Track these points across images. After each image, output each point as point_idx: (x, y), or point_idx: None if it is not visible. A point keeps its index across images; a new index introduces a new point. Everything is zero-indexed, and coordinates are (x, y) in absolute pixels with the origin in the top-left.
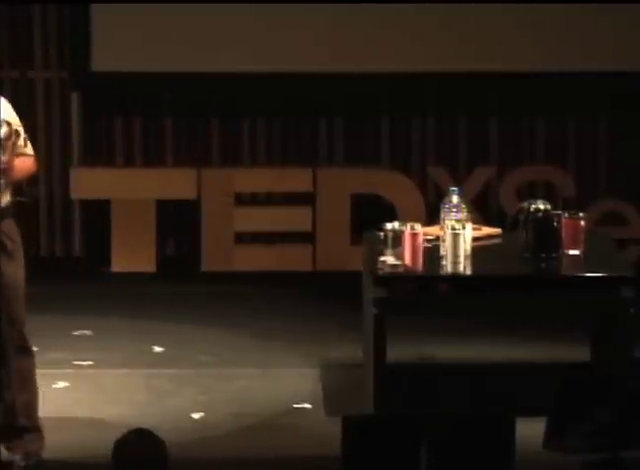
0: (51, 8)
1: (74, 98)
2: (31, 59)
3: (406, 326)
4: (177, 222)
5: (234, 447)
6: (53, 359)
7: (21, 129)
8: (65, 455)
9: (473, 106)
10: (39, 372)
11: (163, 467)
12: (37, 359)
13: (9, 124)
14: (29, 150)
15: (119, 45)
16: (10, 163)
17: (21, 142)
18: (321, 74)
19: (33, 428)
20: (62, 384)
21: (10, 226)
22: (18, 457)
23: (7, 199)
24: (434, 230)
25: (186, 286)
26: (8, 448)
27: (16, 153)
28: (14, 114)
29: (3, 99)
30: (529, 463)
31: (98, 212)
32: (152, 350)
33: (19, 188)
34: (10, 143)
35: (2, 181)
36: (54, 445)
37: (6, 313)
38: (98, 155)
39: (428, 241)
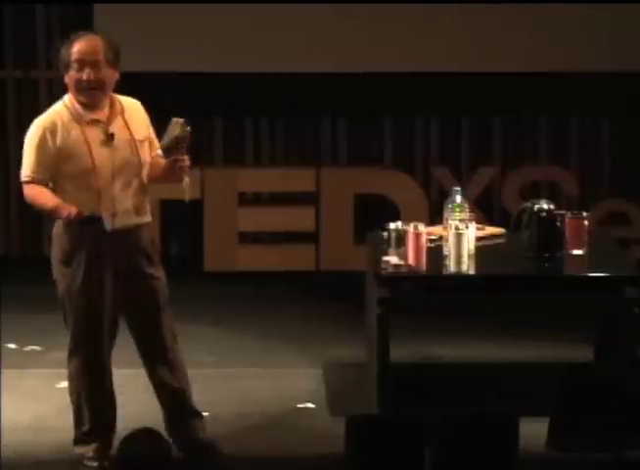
0: (54, 8)
1: None
2: (35, 59)
3: (410, 326)
4: (180, 222)
5: (237, 447)
6: (57, 359)
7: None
8: (68, 455)
9: (476, 106)
10: (43, 372)
11: (167, 466)
12: (41, 359)
13: (184, 122)
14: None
15: (122, 45)
16: (187, 159)
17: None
18: (324, 75)
19: (199, 414)
20: (65, 384)
21: (150, 233)
22: (180, 442)
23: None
24: (437, 230)
25: (189, 286)
26: (198, 428)
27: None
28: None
29: (138, 105)
30: (533, 463)
31: None
32: None
33: None
34: (187, 140)
35: (187, 179)
36: (57, 443)
37: (164, 314)
38: None
39: (431, 241)
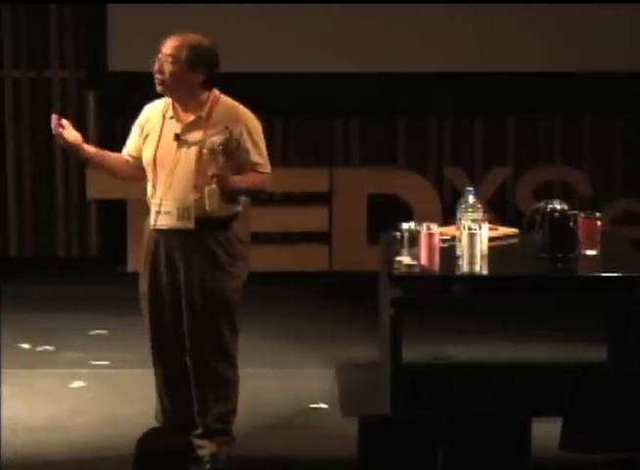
0: (68, 8)
1: (91, 98)
2: (48, 59)
3: (422, 326)
4: None
5: (250, 447)
6: (69, 359)
7: (243, 140)
8: (81, 455)
9: (489, 106)
10: (55, 372)
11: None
12: (54, 359)
13: (230, 132)
14: (261, 167)
15: (136, 45)
16: (223, 170)
17: (241, 153)
18: (337, 75)
19: (226, 432)
20: (78, 383)
21: (227, 238)
22: (205, 457)
23: (229, 208)
24: (450, 230)
25: None
26: (198, 446)
27: (236, 163)
28: (252, 124)
29: (245, 110)
30: (545, 463)
31: (114, 213)
32: None
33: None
34: (228, 150)
35: (213, 187)
36: (70, 444)
37: (207, 320)
38: None
39: (444, 241)
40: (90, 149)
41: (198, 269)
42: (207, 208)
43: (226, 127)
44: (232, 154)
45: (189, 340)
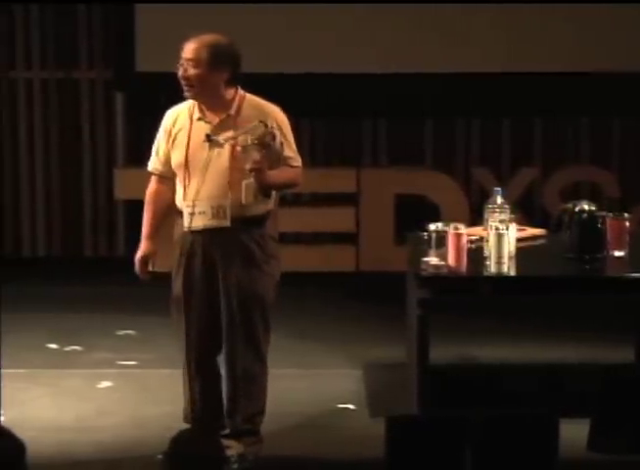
0: (96, 8)
1: (119, 98)
2: (76, 59)
3: (450, 326)
4: None
5: (277, 448)
6: (97, 359)
7: (277, 133)
8: (108, 455)
9: (517, 106)
10: (82, 372)
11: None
12: (82, 359)
13: (265, 126)
14: (293, 161)
15: (164, 45)
16: (260, 164)
17: (276, 147)
18: (365, 75)
19: (254, 432)
20: (106, 384)
21: (262, 235)
22: (233, 457)
23: (264, 206)
24: (477, 231)
25: None
26: (225, 446)
27: (270, 156)
28: (281, 118)
29: (272, 106)
30: (573, 465)
31: (142, 213)
32: None
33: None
34: (265, 144)
35: (251, 181)
36: (98, 444)
37: (241, 317)
38: (142, 155)
39: (471, 241)
40: (150, 242)
41: (235, 267)
42: (244, 201)
43: (261, 121)
44: (268, 147)
45: (225, 338)
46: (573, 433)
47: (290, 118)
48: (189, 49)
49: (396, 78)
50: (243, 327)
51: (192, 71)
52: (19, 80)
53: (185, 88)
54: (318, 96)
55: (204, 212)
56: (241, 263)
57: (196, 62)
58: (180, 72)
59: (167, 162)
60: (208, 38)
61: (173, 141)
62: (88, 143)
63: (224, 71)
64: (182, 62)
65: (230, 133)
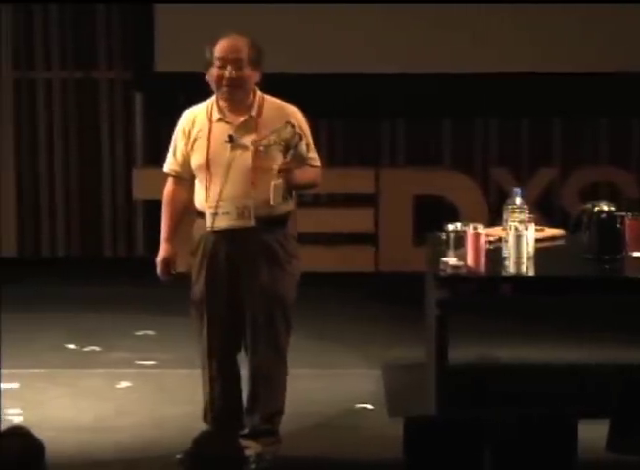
0: (115, 8)
1: (138, 98)
2: (95, 59)
3: (468, 327)
4: None
5: (295, 448)
6: (116, 359)
7: (303, 135)
8: (127, 455)
9: (535, 107)
10: (101, 372)
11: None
12: (101, 359)
13: (292, 127)
14: (315, 161)
15: (183, 45)
16: (289, 164)
17: (303, 147)
18: (384, 76)
19: (272, 432)
20: (125, 384)
21: (284, 235)
22: (251, 457)
23: (285, 206)
24: (496, 231)
25: None
26: (244, 446)
27: (297, 157)
28: (301, 119)
29: (291, 106)
30: (592, 466)
31: (161, 213)
32: None
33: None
34: (292, 145)
35: (280, 182)
36: (117, 444)
37: (264, 317)
38: (161, 155)
39: (490, 242)
40: (170, 244)
41: (259, 267)
42: (272, 202)
43: (287, 122)
44: (295, 148)
45: (248, 338)
46: (593, 433)
47: (308, 119)
48: (232, 48)
49: (415, 79)
50: (265, 327)
51: (241, 72)
52: (38, 81)
53: (226, 90)
54: (336, 96)
55: (228, 213)
56: (264, 263)
57: (243, 61)
58: (227, 74)
59: (185, 163)
60: (247, 38)
61: (192, 143)
62: (107, 143)
63: (260, 71)
64: (220, 63)
65: (252, 134)
